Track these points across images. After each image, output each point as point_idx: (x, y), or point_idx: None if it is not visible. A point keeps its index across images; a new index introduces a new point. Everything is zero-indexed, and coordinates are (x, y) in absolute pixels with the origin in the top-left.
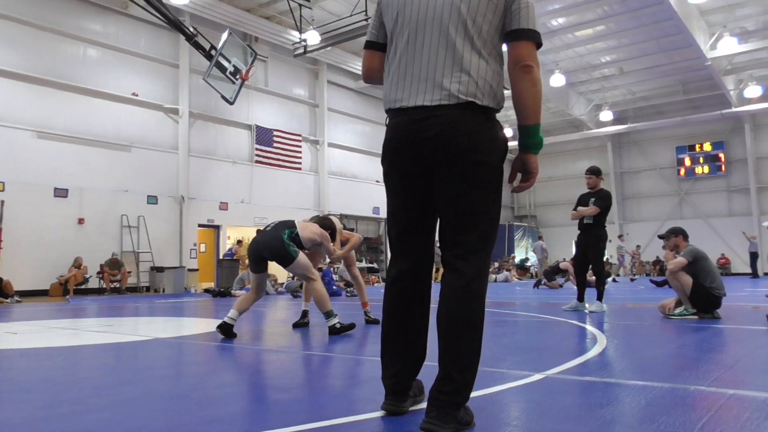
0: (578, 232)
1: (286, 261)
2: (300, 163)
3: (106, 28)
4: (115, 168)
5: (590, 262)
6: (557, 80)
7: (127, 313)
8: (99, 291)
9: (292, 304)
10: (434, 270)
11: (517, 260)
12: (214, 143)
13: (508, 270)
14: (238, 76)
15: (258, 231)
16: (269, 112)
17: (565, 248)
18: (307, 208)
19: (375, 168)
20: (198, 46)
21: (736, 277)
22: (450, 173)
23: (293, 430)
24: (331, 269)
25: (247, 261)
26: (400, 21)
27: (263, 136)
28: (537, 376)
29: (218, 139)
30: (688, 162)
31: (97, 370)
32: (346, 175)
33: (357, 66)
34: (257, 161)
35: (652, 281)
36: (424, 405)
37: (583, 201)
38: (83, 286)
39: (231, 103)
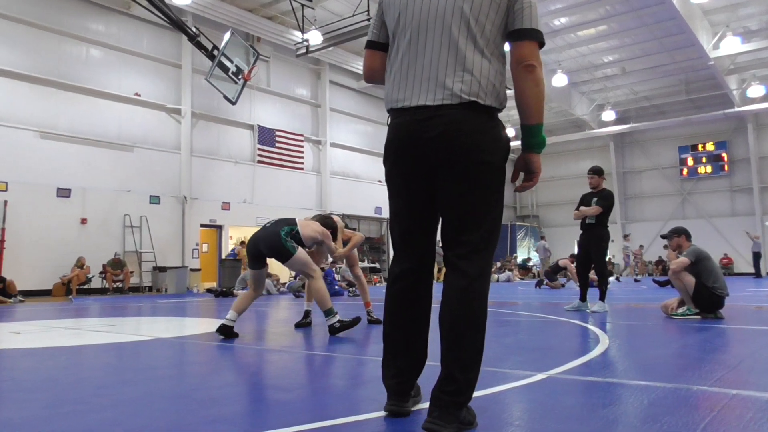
0: (581, 232)
1: (284, 257)
2: (302, 163)
3: (109, 28)
4: (118, 168)
5: (593, 261)
6: (560, 80)
7: (130, 313)
8: (102, 291)
9: (294, 304)
10: (436, 270)
11: (519, 260)
12: (217, 143)
13: (511, 270)
14: (240, 76)
15: None
16: (271, 112)
17: (567, 248)
18: (309, 208)
19: (377, 168)
20: (200, 46)
21: (739, 277)
22: (453, 173)
23: (295, 430)
24: (333, 269)
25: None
26: (402, 21)
27: (265, 136)
28: (539, 376)
29: (221, 139)
30: (690, 162)
31: (99, 370)
32: (349, 175)
33: (359, 66)
34: (259, 161)
35: (654, 281)
36: (423, 405)
37: (585, 201)
38: (86, 286)
39: (233, 103)
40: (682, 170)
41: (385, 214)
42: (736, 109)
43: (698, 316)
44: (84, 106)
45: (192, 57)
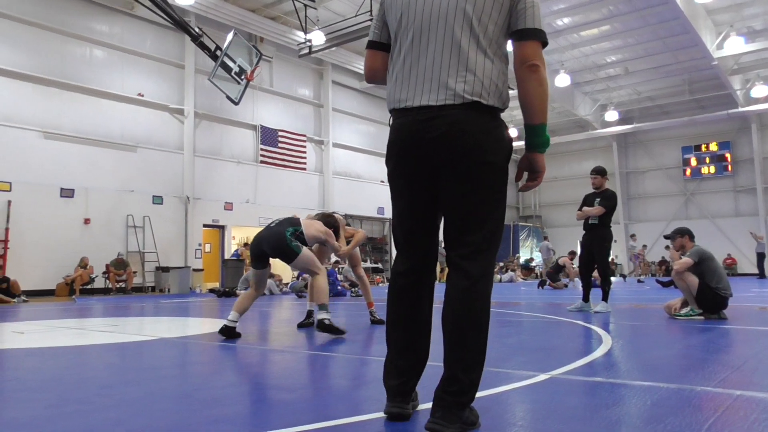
0: (583, 232)
1: (290, 257)
2: (305, 163)
3: (112, 28)
4: (121, 168)
5: (595, 262)
6: (562, 80)
7: (133, 312)
8: (105, 291)
9: (296, 305)
10: (439, 270)
11: (521, 260)
12: (219, 143)
13: (513, 270)
14: (243, 77)
15: None
16: (274, 113)
17: (570, 248)
18: (311, 209)
19: (379, 168)
20: (203, 47)
21: (742, 277)
22: (455, 173)
23: (298, 430)
24: (336, 269)
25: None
26: (404, 21)
27: (268, 137)
28: (542, 377)
29: (223, 139)
30: (694, 162)
31: (102, 370)
32: (351, 176)
33: (362, 66)
34: (262, 161)
35: (658, 281)
36: (425, 405)
37: (588, 201)
38: (89, 286)
39: (236, 104)
40: (685, 170)
41: (388, 214)
42: (740, 109)
43: (702, 317)
44: (87, 106)
45: (195, 57)
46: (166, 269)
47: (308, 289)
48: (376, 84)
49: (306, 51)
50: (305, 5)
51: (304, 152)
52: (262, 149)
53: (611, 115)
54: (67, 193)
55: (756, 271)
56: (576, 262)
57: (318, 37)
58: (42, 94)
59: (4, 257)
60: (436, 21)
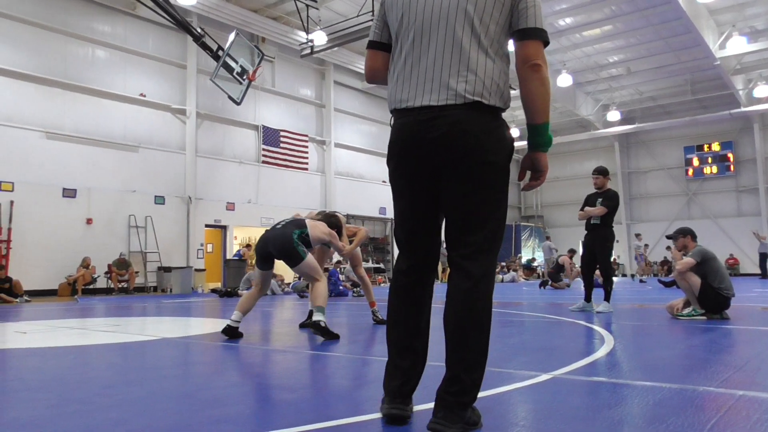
0: (585, 232)
1: (294, 261)
2: (307, 163)
3: (114, 29)
4: (123, 168)
5: (597, 262)
6: (564, 80)
7: (135, 312)
8: (107, 291)
9: (298, 305)
10: (441, 270)
11: (523, 260)
12: (221, 144)
13: (515, 270)
14: (245, 77)
15: (266, 232)
16: (276, 113)
17: (575, 250)
18: (313, 209)
19: (381, 168)
20: (205, 47)
21: (745, 277)
22: (457, 173)
23: (300, 430)
24: (338, 269)
25: (253, 261)
26: (405, 21)
27: (270, 137)
28: (544, 377)
29: (225, 139)
30: (696, 162)
31: (104, 370)
32: (353, 176)
33: (363, 66)
34: (264, 161)
35: (660, 281)
36: (428, 405)
37: (590, 201)
38: (91, 286)
39: (238, 104)
40: (687, 170)
41: (390, 214)
42: (743, 109)
43: (704, 317)
44: (89, 106)
45: (197, 57)
46: (168, 269)
47: (310, 289)
48: (376, 84)
49: (308, 51)
50: (307, 5)
51: (306, 152)
52: (264, 149)
53: (613, 115)
54: (70, 193)
55: (758, 271)
56: (578, 262)
57: (320, 38)
58: (44, 95)
59: (7, 257)
60: (437, 21)
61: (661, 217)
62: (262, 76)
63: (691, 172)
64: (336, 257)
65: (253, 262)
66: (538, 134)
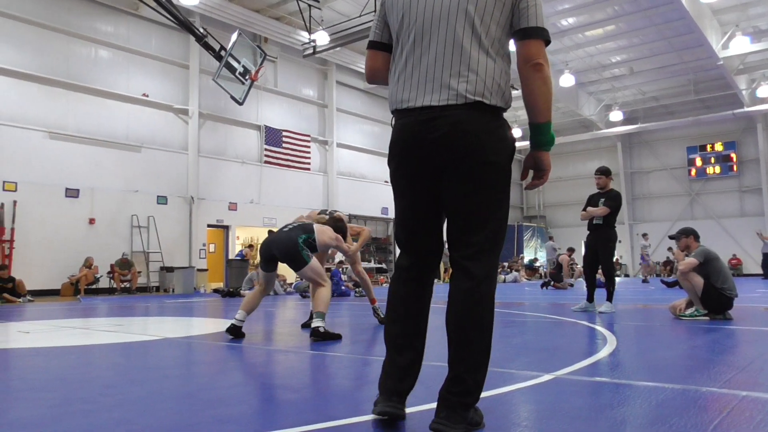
0: (588, 232)
1: (298, 265)
2: (309, 163)
3: (117, 29)
4: (126, 168)
5: (600, 262)
6: (567, 80)
7: (137, 312)
8: (109, 291)
9: (300, 305)
10: (443, 270)
11: (525, 260)
12: (224, 144)
13: (517, 270)
14: (247, 77)
15: (269, 232)
16: (278, 113)
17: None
18: (315, 209)
19: (383, 168)
20: (208, 47)
21: (747, 278)
22: (458, 174)
23: (302, 430)
24: (340, 269)
25: (256, 261)
26: (405, 22)
27: (272, 137)
28: (547, 377)
29: (228, 139)
30: (699, 162)
31: (107, 370)
32: (355, 176)
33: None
34: (266, 162)
35: (663, 282)
36: (430, 405)
37: (592, 201)
38: (94, 286)
39: (240, 104)
40: (690, 171)
41: (392, 214)
42: (746, 109)
43: (707, 317)
44: (92, 106)
45: (200, 57)
46: (170, 269)
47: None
48: (376, 84)
49: (310, 51)
50: (309, 5)
51: (308, 152)
52: (266, 149)
53: (616, 115)
54: (72, 193)
55: (761, 271)
56: (578, 260)
57: (322, 38)
58: (47, 95)
59: (10, 257)
60: (438, 21)
61: (663, 217)
62: (265, 76)
63: (694, 172)
64: (338, 257)
65: (255, 262)
66: (541, 133)
